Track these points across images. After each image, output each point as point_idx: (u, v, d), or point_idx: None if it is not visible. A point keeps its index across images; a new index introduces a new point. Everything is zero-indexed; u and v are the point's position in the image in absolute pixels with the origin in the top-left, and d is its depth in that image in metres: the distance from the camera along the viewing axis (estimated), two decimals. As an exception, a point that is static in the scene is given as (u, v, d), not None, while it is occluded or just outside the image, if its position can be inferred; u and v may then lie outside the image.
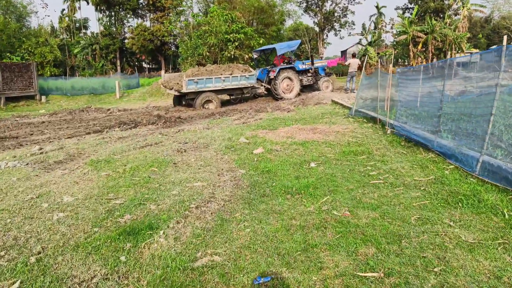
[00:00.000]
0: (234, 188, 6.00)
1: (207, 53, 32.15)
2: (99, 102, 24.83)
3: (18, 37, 46.70)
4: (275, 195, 5.59)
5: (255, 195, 5.63)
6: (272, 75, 20.66)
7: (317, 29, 53.13)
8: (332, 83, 22.52)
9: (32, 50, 46.89)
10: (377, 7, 62.80)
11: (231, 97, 20.14)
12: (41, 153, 9.37)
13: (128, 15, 52.24)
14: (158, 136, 11.00)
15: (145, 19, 53.52)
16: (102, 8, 50.33)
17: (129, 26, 53.25)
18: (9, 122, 15.69)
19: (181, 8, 45.98)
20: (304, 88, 22.62)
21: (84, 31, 55.86)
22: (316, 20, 50.52)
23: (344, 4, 49.54)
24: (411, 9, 56.71)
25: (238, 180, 6.40)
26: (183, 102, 18.79)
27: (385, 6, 55.86)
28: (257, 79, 21.17)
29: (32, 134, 12.40)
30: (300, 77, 21.61)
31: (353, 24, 51.71)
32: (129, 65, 54.44)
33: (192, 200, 5.47)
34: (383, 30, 50.92)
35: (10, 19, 46.82)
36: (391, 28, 51.02)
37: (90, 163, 7.80)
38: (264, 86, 20.97)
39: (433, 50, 47.74)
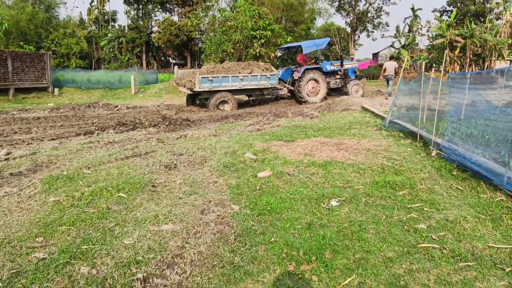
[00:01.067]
0: (215, 239, 4.08)
1: (232, 50, 30.35)
2: (113, 97, 23.30)
3: (45, 27, 46.11)
4: (271, 262, 3.63)
5: (242, 259, 3.68)
6: (296, 75, 18.61)
7: (348, 29, 50.63)
8: (362, 87, 20.30)
9: (59, 41, 46.26)
10: (412, 9, 59.65)
11: (250, 98, 18.18)
12: (6, 159, 7.69)
13: (156, 9, 50.98)
14: (152, 143, 9.17)
15: (172, 14, 52.26)
16: (130, 1, 49.24)
17: (156, 20, 52.06)
18: (2, 116, 14.19)
19: (209, 3, 44.31)
20: (332, 92, 20.45)
21: (112, 23, 54.99)
22: (348, 20, 48.05)
23: (379, 4, 46.75)
24: (449, 12, 53.45)
25: (225, 224, 4.47)
26: (197, 102, 16.97)
27: (421, 9, 52.99)
28: (280, 79, 19.22)
29: (16, 133, 10.79)
30: (328, 79, 19.41)
31: (387, 26, 49.04)
32: (155, 59, 53.26)
33: (145, 263, 3.58)
34: (419, 33, 47.98)
35: (38, 9, 46.23)
36: (427, 31, 48.02)
37: (46, 181, 6.01)
38: (287, 88, 18.92)
39: (471, 55, 44.59)
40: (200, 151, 8.13)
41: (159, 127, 11.64)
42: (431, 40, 46.81)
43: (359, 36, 49.71)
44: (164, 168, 6.84)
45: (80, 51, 45.77)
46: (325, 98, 18.88)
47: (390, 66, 19.55)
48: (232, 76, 16.17)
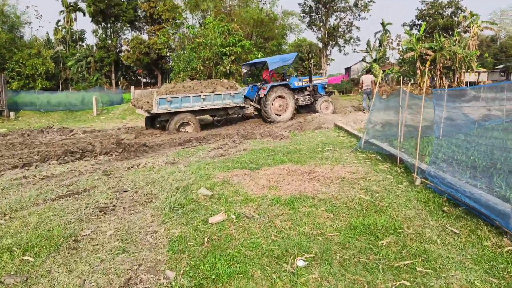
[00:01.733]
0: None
1: (201, 67, 29.29)
2: (74, 120, 21.73)
3: (9, 48, 44.18)
4: None
5: None
6: (262, 93, 17.45)
7: (320, 44, 50.31)
8: (332, 104, 19.38)
9: (24, 62, 44.31)
10: (382, 23, 60.03)
11: (214, 118, 16.98)
12: None
13: (124, 27, 49.61)
14: (96, 177, 7.87)
15: (142, 32, 50.94)
16: (98, 20, 47.79)
17: (125, 39, 50.66)
18: None
19: (178, 21, 43.31)
20: (301, 109, 19.55)
21: (80, 43, 53.30)
22: (319, 35, 47.71)
23: (349, 20, 46.60)
24: (418, 26, 53.93)
25: (151, 305, 3.25)
26: (157, 125, 15.73)
27: (390, 23, 53.18)
28: (246, 97, 18.11)
29: None
30: (296, 96, 18.38)
31: (358, 40, 48.93)
32: (125, 79, 51.71)
33: None
34: (390, 47, 48.00)
35: (1, 30, 44.29)
36: (398, 44, 48.14)
37: None
38: (254, 106, 17.79)
39: (441, 68, 44.71)
40: (149, 187, 6.89)
41: (111, 155, 10.31)
42: (402, 53, 46.87)
43: (330, 51, 49.42)
44: (98, 213, 5.56)
45: (46, 71, 43.95)
46: (294, 116, 17.89)
47: (367, 80, 18.98)
48: (193, 96, 15.00)
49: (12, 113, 21.93)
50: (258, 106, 17.65)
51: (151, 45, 44.90)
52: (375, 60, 51.65)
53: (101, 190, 6.81)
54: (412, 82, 51.96)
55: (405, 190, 6.04)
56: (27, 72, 44.20)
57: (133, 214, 5.47)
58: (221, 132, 14.46)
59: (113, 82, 48.06)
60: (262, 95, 17.37)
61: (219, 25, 29.26)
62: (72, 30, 53.49)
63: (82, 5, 50.13)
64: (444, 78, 43.73)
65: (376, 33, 58.33)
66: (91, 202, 6.09)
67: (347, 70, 67.97)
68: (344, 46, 48.66)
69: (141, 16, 48.48)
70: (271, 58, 19.40)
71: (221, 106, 15.75)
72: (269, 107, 17.12)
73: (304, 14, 46.59)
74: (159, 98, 14.30)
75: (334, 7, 45.73)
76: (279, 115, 17.47)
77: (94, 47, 49.52)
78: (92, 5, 45.07)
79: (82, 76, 48.29)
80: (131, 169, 8.53)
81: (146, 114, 14.98)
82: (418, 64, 43.40)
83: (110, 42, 48.33)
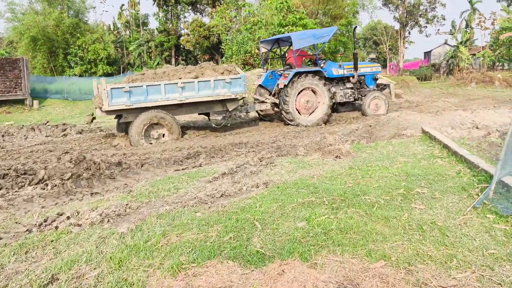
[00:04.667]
0: None
1: (257, 50, 24.87)
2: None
3: (73, 33, 42.78)
4: None
5: None
6: (282, 82, 12.09)
7: (397, 26, 43.60)
8: (386, 102, 13.38)
9: (87, 47, 42.80)
10: (470, 1, 51.39)
11: (208, 118, 12.13)
12: None
13: (185, 10, 46.25)
14: None
15: (203, 15, 47.37)
16: (159, 3, 44.89)
17: (185, 22, 47.36)
18: None
19: (240, 1, 38.96)
20: (341, 107, 14.14)
21: (144, 28, 51.02)
22: (397, 15, 41.08)
23: (433, -5, 39.51)
24: (517, 1, 44.94)
25: None
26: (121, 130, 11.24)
27: (480, 1, 44.83)
28: (261, 86, 13.26)
29: None
30: (333, 89, 12.87)
31: (443, 19, 41.55)
32: (186, 63, 48.69)
33: None
34: (481, 27, 40.26)
35: (66, 15, 42.89)
36: (492, 24, 40.14)
37: None
38: (270, 101, 12.58)
39: (547, 51, 36.45)
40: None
41: (55, 186, 6.23)
42: (497, 34, 38.96)
43: (409, 32, 42.54)
44: None
45: (108, 56, 42.15)
46: (328, 117, 12.54)
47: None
48: (165, 84, 10.20)
49: (35, 102, 19.06)
50: (277, 101, 12.52)
51: (212, 27, 41.12)
52: (461, 42, 44.00)
53: None
54: (507, 67, 43.65)
55: None
56: (89, 57, 42.71)
57: None
58: (250, 139, 9.84)
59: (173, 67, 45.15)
60: (282, 85, 12.02)
61: (278, 1, 24.56)
62: (138, 14, 51.35)
63: (146, -12, 47.56)
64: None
65: (462, 12, 49.93)
66: None
67: (427, 54, 59.93)
68: (426, 27, 41.57)
69: (203, -3, 44.83)
70: (297, 34, 13.38)
71: (212, 99, 10.77)
72: (290, 103, 11.87)
73: (380, -9, 40.16)
74: (111, 89, 9.67)
75: (416, -18, 38.89)
76: (306, 116, 12.29)
77: (155, 31, 46.90)
78: (152, -14, 42.27)
79: (143, 61, 46.14)
80: (27, 234, 4.37)
81: (99, 113, 10.35)
82: (519, 46, 35.65)
83: (170, 25, 45.33)
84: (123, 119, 10.23)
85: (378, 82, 14.10)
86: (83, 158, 7.12)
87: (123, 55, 47.63)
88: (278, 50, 14.92)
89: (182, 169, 7.02)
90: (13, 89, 18.01)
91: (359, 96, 13.36)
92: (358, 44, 51.16)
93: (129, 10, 49.57)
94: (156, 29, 46.69)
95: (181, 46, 46.12)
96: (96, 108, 10.34)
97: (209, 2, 43.91)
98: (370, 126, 10.09)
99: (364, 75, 13.55)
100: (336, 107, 13.74)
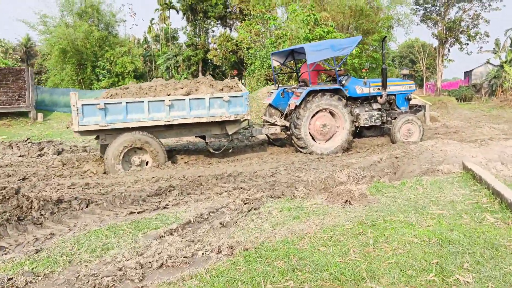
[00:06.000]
0: None
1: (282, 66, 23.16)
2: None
3: (102, 46, 42.70)
4: None
5: None
6: (293, 102, 10.13)
7: (435, 43, 40.99)
8: (421, 127, 11.07)
9: (115, 60, 42.59)
10: (516, 18, 48.05)
11: (206, 142, 9.75)
12: None
13: (213, 23, 45.34)
14: None
15: (232, 29, 46.34)
16: (188, 16, 44.28)
17: (213, 36, 46.47)
18: None
19: (268, 15, 37.69)
20: (366, 131, 12.06)
21: (173, 42, 50.61)
22: (435, 31, 38.54)
23: (475, 11, 36.82)
24: None
25: None
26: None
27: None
28: (271, 106, 11.34)
29: None
30: (357, 111, 10.84)
31: (487, 36, 38.59)
32: (215, 78, 47.66)
33: None
34: (530, 45, 37.24)
35: (95, 27, 42.95)
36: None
37: None
38: (280, 123, 10.62)
39: None
40: None
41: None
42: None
43: (449, 50, 39.87)
44: None
45: (135, 70, 41.72)
46: (349, 145, 10.38)
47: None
48: (150, 101, 8.48)
49: (40, 115, 18.00)
50: (287, 124, 10.50)
51: (239, 42, 39.98)
52: (505, 62, 40.85)
53: None
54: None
55: None
56: (116, 70, 42.43)
57: None
58: (247, 169, 7.98)
59: (199, 82, 44.20)
60: (292, 106, 10.07)
61: (304, 13, 22.90)
62: (167, 28, 51.12)
63: (177, 4, 47.24)
64: None
65: (507, 30, 46.65)
66: None
67: (467, 73, 56.54)
68: (467, 44, 38.78)
69: (231, 12, 43.83)
70: (312, 45, 11.16)
71: (207, 120, 8.95)
72: (303, 127, 9.85)
73: (417, 6, 37.89)
74: (82, 105, 8.02)
75: (457, -3, 36.37)
76: (321, 143, 10.26)
77: (184, 45, 46.28)
78: (181, 0, 41.66)
79: (171, 75, 45.59)
80: None
81: (77, 134, 8.52)
82: None
83: (198, 39, 44.55)
84: (101, 141, 8.62)
85: (411, 102, 11.93)
86: (15, 193, 5.56)
87: (151, 69, 47.29)
88: (293, 64, 13.07)
89: (138, 213, 5.32)
90: (16, 100, 17.03)
91: (389, 119, 11.20)
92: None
93: (159, 24, 49.35)
94: (184, 43, 46.09)
95: (209, 60, 45.24)
96: (67, 127, 8.83)
97: (238, 16, 42.89)
98: (397, 158, 8.04)
99: (394, 95, 11.39)
100: (359, 130, 11.78)
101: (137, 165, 8.61)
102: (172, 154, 9.64)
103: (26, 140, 11.35)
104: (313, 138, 10.18)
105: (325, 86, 10.42)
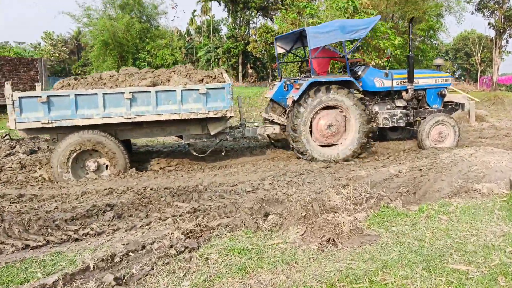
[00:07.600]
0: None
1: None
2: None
3: (142, 38, 42.48)
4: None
5: None
6: (292, 97, 8.10)
7: (492, 33, 37.15)
8: (456, 130, 8.81)
9: (155, 52, 42.27)
10: None
11: (188, 144, 8.26)
12: None
13: (253, 14, 43.78)
14: None
15: (273, 20, 44.72)
16: (229, 7, 43.08)
17: (253, 28, 44.93)
18: None
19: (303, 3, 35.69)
20: (392, 133, 10.08)
21: (216, 33, 49.68)
22: (492, 21, 34.83)
23: (539, -3, 32.81)
24: None
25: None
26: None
27: None
28: (272, 101, 9.55)
29: None
30: (375, 108, 8.93)
31: (554, 25, 34.43)
32: (256, 72, 46.32)
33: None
34: None
35: (137, 19, 42.77)
36: None
37: None
38: (280, 121, 8.79)
39: None
40: None
41: None
42: None
43: (507, 41, 36.04)
44: None
45: (175, 62, 41.20)
46: (362, 149, 8.36)
47: None
48: (105, 94, 6.85)
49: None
50: (285, 122, 8.57)
51: (280, 33, 38.29)
52: None
53: None
54: None
55: None
56: (157, 63, 42.12)
57: None
58: (224, 180, 6.27)
59: (240, 74, 42.99)
60: (290, 101, 8.16)
61: (342, 0, 20.90)
62: (209, 20, 50.30)
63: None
64: None
65: None
66: None
67: (529, 67, 51.33)
68: (529, 34, 34.80)
69: (273, 2, 42.07)
70: (317, 27, 8.71)
71: (180, 117, 7.23)
72: (301, 127, 8.03)
73: (472, -5, 34.34)
74: (19, 97, 6.46)
75: (518, -18, 32.55)
76: (326, 145, 8.42)
77: (224, 37, 45.23)
78: (221, -9, 40.66)
79: (212, 67, 44.73)
80: None
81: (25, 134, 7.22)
82: None
83: (238, 31, 43.26)
84: (52, 142, 7.20)
85: (446, 99, 9.75)
86: None
87: (192, 61, 46.64)
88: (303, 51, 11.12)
89: (32, 248, 3.93)
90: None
91: (416, 118, 9.17)
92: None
93: (201, 16, 48.55)
94: (225, 35, 45.01)
95: (249, 53, 43.94)
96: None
97: (279, 7, 41.13)
98: (421, 170, 6.15)
99: (424, 89, 9.28)
100: (384, 132, 9.89)
101: (94, 171, 7.15)
102: (152, 156, 8.25)
103: (4, 137, 10.30)
104: (315, 141, 8.36)
105: (332, 77, 8.45)
